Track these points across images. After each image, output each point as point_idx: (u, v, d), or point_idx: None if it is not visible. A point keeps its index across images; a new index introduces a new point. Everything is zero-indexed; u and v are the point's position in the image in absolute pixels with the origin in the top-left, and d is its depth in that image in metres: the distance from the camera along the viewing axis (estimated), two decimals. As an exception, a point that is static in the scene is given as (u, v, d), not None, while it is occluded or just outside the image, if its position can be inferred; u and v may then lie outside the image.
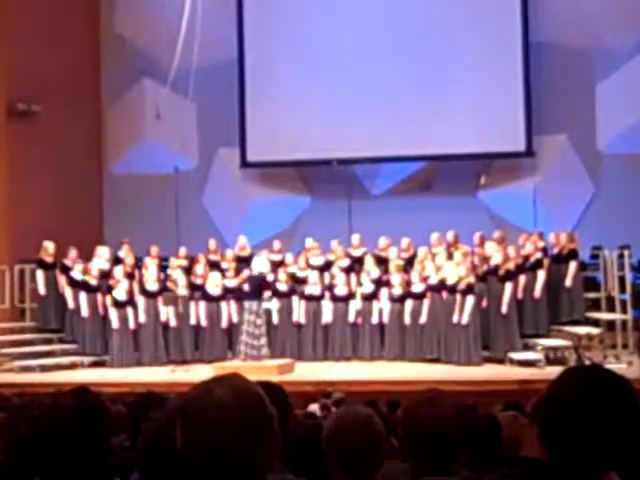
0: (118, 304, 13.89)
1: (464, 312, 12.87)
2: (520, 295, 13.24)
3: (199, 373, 12.32)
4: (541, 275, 13.34)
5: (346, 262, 14.57)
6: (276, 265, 14.52)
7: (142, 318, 13.96)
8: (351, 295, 14.05)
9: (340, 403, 8.08)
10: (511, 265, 13.20)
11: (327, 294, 14.07)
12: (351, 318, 13.97)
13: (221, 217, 18.15)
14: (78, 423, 2.43)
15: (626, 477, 1.96)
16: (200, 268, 14.45)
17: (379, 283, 14.00)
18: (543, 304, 13.39)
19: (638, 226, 15.89)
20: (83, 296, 14.05)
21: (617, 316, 13.80)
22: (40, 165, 16.71)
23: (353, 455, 2.73)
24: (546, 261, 13.56)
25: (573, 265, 13.50)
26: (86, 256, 14.71)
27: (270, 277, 14.08)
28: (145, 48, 18.19)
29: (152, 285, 14.16)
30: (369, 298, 13.92)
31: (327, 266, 14.59)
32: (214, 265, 14.74)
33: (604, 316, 13.88)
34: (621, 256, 14.33)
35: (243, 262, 14.71)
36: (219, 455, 1.76)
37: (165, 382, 11.87)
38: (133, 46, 18.40)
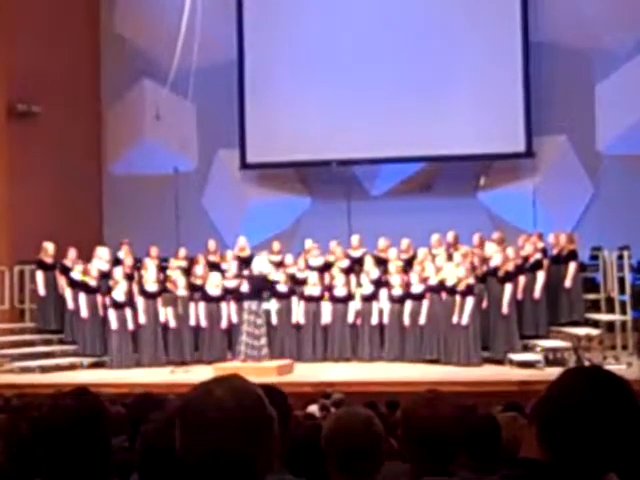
0: (117, 305, 13.88)
1: (464, 313, 12.87)
2: (520, 296, 13.24)
3: (199, 374, 12.30)
4: (541, 276, 13.34)
5: (346, 263, 14.58)
6: (276, 266, 14.52)
7: (142, 319, 13.95)
8: (350, 296, 14.05)
9: (339, 404, 8.08)
10: (510, 266, 13.20)
11: (326, 295, 14.07)
12: (350, 319, 13.97)
13: (221, 218, 18.15)
14: (78, 424, 2.43)
15: (625, 478, 1.96)
16: (200, 269, 14.45)
17: (379, 284, 14.00)
18: (543, 305, 13.39)
19: (638, 227, 15.89)
20: (83, 297, 14.05)
21: (616, 317, 13.80)
22: (40, 166, 16.70)
23: (352, 456, 2.73)
24: (545, 262, 13.56)
25: (572, 266, 13.50)
26: (86, 257, 14.71)
27: (271, 277, 14.09)
28: (145, 49, 18.20)
29: (151, 286, 14.15)
30: (369, 299, 13.92)
31: (327, 267, 14.59)
32: (214, 266, 14.74)
33: (603, 317, 13.88)
34: (621, 257, 14.32)
35: (243, 263, 14.71)
36: (218, 456, 1.76)
37: (165, 383, 11.87)
38: (133, 47, 18.41)
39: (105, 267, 14.55)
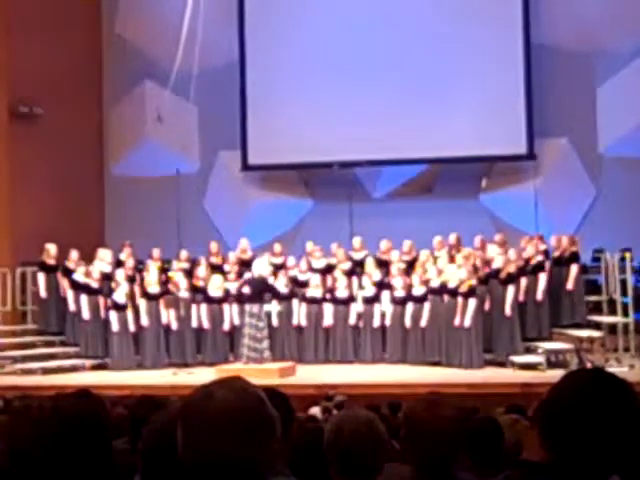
0: (118, 307, 13.88)
1: (466, 315, 12.86)
2: (521, 298, 13.24)
3: (201, 376, 12.30)
4: (543, 278, 13.33)
5: (347, 265, 14.58)
6: (277, 268, 14.52)
7: (144, 321, 13.95)
8: (352, 298, 14.05)
9: (341, 406, 8.09)
10: (512, 268, 13.20)
11: (328, 297, 14.08)
12: (352, 321, 13.97)
13: (222, 220, 18.15)
14: (79, 426, 2.43)
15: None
16: (201, 271, 14.45)
17: (381, 286, 14.00)
18: (545, 307, 13.39)
19: (640, 229, 15.90)
20: (84, 299, 14.05)
21: (619, 319, 13.79)
22: (42, 167, 16.72)
23: (355, 458, 2.73)
24: (547, 264, 13.55)
25: (574, 268, 13.49)
26: (88, 258, 14.71)
27: (271, 280, 14.09)
28: (147, 50, 18.21)
29: (153, 288, 14.15)
30: (370, 301, 13.92)
31: (329, 269, 14.59)
32: (216, 268, 14.74)
33: (605, 319, 13.87)
34: (623, 259, 14.32)
35: (245, 265, 14.71)
36: (220, 457, 1.76)
37: (167, 385, 11.87)
38: (135, 48, 18.41)
39: (107, 269, 14.56)
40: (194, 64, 15.99)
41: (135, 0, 18.63)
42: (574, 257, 13.57)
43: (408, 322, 13.55)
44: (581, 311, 13.59)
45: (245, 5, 17.95)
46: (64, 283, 14.46)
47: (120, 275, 14.14)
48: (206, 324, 14.04)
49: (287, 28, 17.76)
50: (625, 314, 13.85)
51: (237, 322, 13.99)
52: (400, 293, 13.72)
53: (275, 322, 13.95)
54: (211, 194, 18.53)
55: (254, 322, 13.15)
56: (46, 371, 13.48)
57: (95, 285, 14.18)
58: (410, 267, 14.18)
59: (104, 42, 19.09)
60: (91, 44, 18.71)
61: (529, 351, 13.05)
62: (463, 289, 12.95)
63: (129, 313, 13.92)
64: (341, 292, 14.07)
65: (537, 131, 17.08)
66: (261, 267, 13.92)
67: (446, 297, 13.29)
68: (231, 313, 14.12)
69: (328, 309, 14.03)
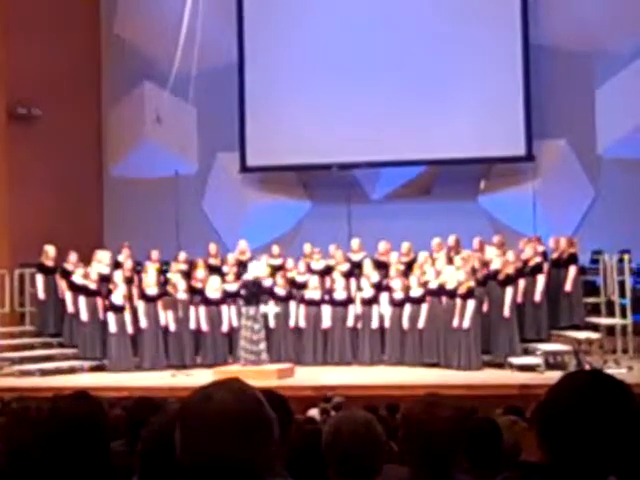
0: (115, 308, 13.87)
1: (465, 316, 12.86)
2: (520, 299, 13.24)
3: (199, 377, 12.30)
4: (541, 279, 13.33)
5: (346, 267, 14.58)
6: (275, 270, 14.52)
7: (142, 323, 13.94)
8: (350, 300, 14.05)
9: (340, 408, 8.08)
10: (511, 269, 13.20)
11: (326, 298, 14.08)
12: (350, 323, 13.97)
13: (221, 221, 18.15)
14: (77, 427, 2.43)
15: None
16: (200, 272, 14.45)
17: (379, 288, 14.00)
18: (543, 308, 13.39)
19: (638, 230, 15.90)
20: (82, 300, 14.04)
21: (617, 321, 13.80)
22: (40, 169, 16.71)
23: (353, 459, 2.73)
24: (545, 265, 13.56)
25: (573, 270, 13.50)
26: (86, 260, 14.71)
27: (269, 282, 14.09)
28: (146, 51, 18.21)
29: (152, 289, 14.15)
30: (369, 303, 13.92)
31: (327, 271, 14.59)
32: (214, 269, 14.74)
33: (604, 321, 13.88)
34: (621, 261, 14.32)
35: (243, 266, 14.70)
36: (218, 459, 1.76)
37: (165, 386, 11.86)
38: (134, 49, 18.41)
39: (105, 270, 14.55)
40: (193, 65, 15.99)
41: (134, 1, 18.64)
42: (572, 259, 13.57)
43: (405, 324, 13.56)
44: (579, 313, 13.60)
45: (244, 6, 17.95)
46: (62, 285, 14.44)
47: (118, 276, 14.14)
48: (204, 326, 14.02)
49: (286, 29, 17.77)
50: (623, 316, 13.86)
51: (235, 324, 13.99)
52: (399, 295, 13.72)
53: (272, 324, 13.93)
54: (210, 195, 18.53)
55: (250, 324, 13.13)
56: (44, 373, 13.46)
57: (93, 287, 14.17)
58: (409, 269, 14.18)
59: (103, 43, 19.09)
60: (90, 45, 18.71)
61: (527, 352, 13.05)
62: (461, 291, 12.96)
63: (127, 315, 13.91)
64: (339, 294, 14.07)
65: (536, 132, 17.08)
66: (257, 269, 13.90)
67: (444, 299, 13.29)
68: (229, 315, 14.11)
69: (326, 311, 14.03)
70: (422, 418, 2.76)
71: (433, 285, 13.49)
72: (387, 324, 13.75)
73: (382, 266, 14.39)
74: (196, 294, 14.24)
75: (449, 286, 13.17)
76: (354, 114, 17.19)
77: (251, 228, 17.09)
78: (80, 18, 18.30)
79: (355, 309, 14.00)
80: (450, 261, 13.74)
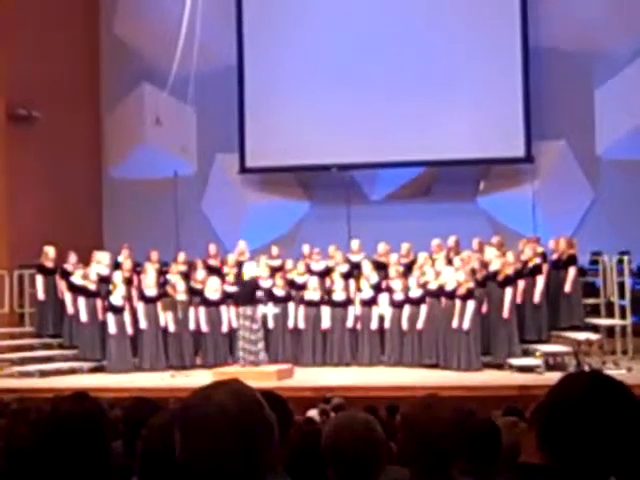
0: (115, 309, 13.86)
1: (465, 317, 12.86)
2: (519, 300, 13.24)
3: (199, 378, 12.30)
4: (540, 280, 13.33)
5: (345, 268, 14.57)
6: (275, 270, 14.51)
7: (142, 324, 13.94)
8: (350, 301, 14.05)
9: (339, 409, 8.07)
10: (510, 270, 13.20)
11: (326, 299, 14.08)
12: (350, 324, 13.97)
13: (220, 222, 18.15)
14: (77, 428, 2.43)
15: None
16: (199, 273, 14.44)
17: (378, 289, 14.00)
18: (543, 310, 13.38)
19: (638, 231, 15.91)
20: (82, 301, 14.04)
21: (616, 322, 13.80)
22: (40, 170, 16.72)
23: (353, 460, 2.73)
24: (545, 266, 13.56)
25: (572, 271, 13.49)
26: (86, 261, 14.71)
27: (268, 283, 14.09)
28: (145, 53, 18.22)
29: (151, 290, 14.14)
30: (368, 304, 13.92)
31: (327, 272, 14.59)
32: (213, 270, 14.73)
33: (603, 322, 13.88)
34: (620, 262, 14.33)
35: (242, 267, 14.69)
36: (218, 460, 1.76)
37: (165, 387, 11.85)
38: (133, 51, 18.43)
39: (105, 271, 14.54)
40: (192, 67, 15.99)
41: (133, 2, 18.65)
42: (572, 260, 13.57)
43: (404, 325, 13.56)
44: (579, 314, 13.59)
45: (243, 8, 17.96)
46: (62, 285, 14.44)
47: (117, 277, 14.13)
48: (204, 327, 14.02)
49: (285, 30, 17.77)
50: (623, 317, 13.86)
51: (235, 324, 13.98)
52: (399, 296, 13.71)
53: (271, 325, 13.93)
54: (209, 196, 18.54)
55: (248, 324, 13.14)
56: (44, 374, 13.44)
57: (92, 287, 14.16)
58: (408, 270, 14.18)
59: (102, 45, 19.10)
60: (89, 47, 18.73)
61: (527, 353, 13.05)
62: (461, 291, 12.95)
63: (127, 315, 13.91)
64: (339, 295, 14.07)
65: (535, 133, 17.09)
66: (252, 269, 13.87)
67: (444, 299, 13.29)
68: (229, 315, 14.10)
69: (326, 312, 14.03)
70: (422, 419, 2.76)
71: (433, 286, 13.49)
72: (387, 325, 13.75)
73: (381, 267, 14.39)
74: (196, 295, 14.24)
75: (449, 287, 13.17)
76: (353, 115, 17.20)
77: (250, 229, 17.10)
78: (80, 20, 18.32)
79: (354, 310, 14.00)
80: (450, 262, 13.74)
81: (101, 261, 14.72)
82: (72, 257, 14.62)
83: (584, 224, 17.03)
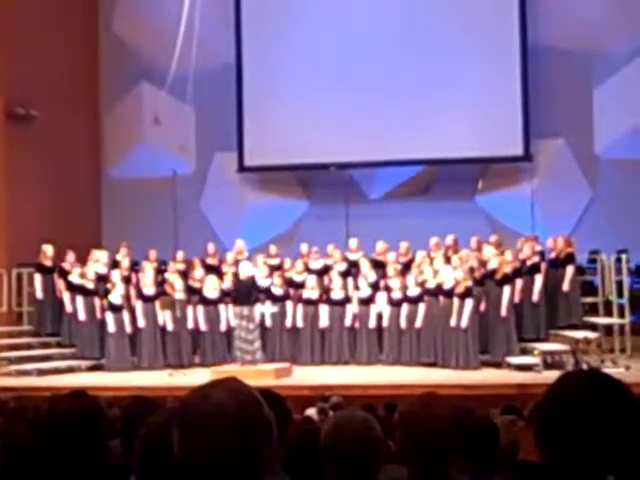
0: (114, 308, 13.87)
1: (463, 316, 12.86)
2: (517, 299, 13.24)
3: (197, 377, 12.29)
4: (538, 279, 13.34)
5: (343, 266, 14.57)
6: (273, 269, 14.51)
7: (140, 322, 13.93)
8: (348, 299, 14.05)
9: (337, 407, 8.07)
10: (508, 269, 13.21)
11: (324, 298, 14.08)
12: (348, 322, 13.97)
13: (219, 221, 18.15)
14: (75, 427, 2.43)
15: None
16: (198, 272, 14.44)
17: (377, 287, 14.00)
18: (541, 308, 13.39)
19: (636, 230, 15.91)
20: (80, 300, 14.04)
21: (615, 320, 13.80)
22: (38, 169, 16.71)
23: (351, 459, 2.73)
24: (543, 265, 13.56)
25: (570, 269, 13.49)
26: (84, 260, 14.71)
27: (266, 281, 14.09)
28: (143, 52, 18.21)
29: (149, 289, 14.14)
30: (366, 302, 13.92)
31: (325, 270, 14.59)
32: (212, 269, 14.73)
33: (601, 320, 13.88)
34: (619, 260, 14.34)
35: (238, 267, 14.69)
36: (216, 458, 1.76)
37: (163, 386, 11.85)
38: (131, 50, 18.42)
39: (103, 270, 14.54)
40: (191, 66, 15.99)
41: (132, 2, 18.65)
42: (570, 258, 13.57)
43: (403, 323, 13.57)
44: (577, 312, 13.59)
45: (242, 7, 17.96)
46: (60, 284, 14.44)
47: (116, 276, 14.13)
48: (203, 326, 14.02)
49: (283, 29, 17.77)
50: (621, 315, 13.87)
51: (233, 323, 13.98)
52: (397, 294, 13.72)
53: (269, 323, 13.92)
54: (207, 195, 18.54)
55: (245, 324, 13.13)
56: (42, 372, 13.45)
57: (91, 286, 14.16)
58: (406, 268, 14.18)
59: (101, 44, 19.10)
60: (88, 46, 18.72)
61: (525, 352, 13.05)
62: (459, 290, 12.96)
63: (125, 314, 13.91)
64: (337, 293, 14.07)
65: (533, 132, 17.10)
66: (248, 269, 13.85)
67: (442, 298, 13.29)
68: (227, 314, 14.10)
69: (324, 310, 14.03)
70: (420, 417, 2.76)
71: (431, 284, 13.49)
72: (385, 323, 13.75)
73: (380, 266, 14.39)
74: (194, 294, 14.24)
75: (447, 285, 13.17)
76: (352, 114, 17.20)
77: (249, 228, 17.10)
78: (79, 19, 18.32)
79: (353, 309, 14.00)
80: (448, 260, 13.74)
81: (99, 260, 14.72)
82: (70, 256, 14.62)
83: (582, 223, 17.04)
